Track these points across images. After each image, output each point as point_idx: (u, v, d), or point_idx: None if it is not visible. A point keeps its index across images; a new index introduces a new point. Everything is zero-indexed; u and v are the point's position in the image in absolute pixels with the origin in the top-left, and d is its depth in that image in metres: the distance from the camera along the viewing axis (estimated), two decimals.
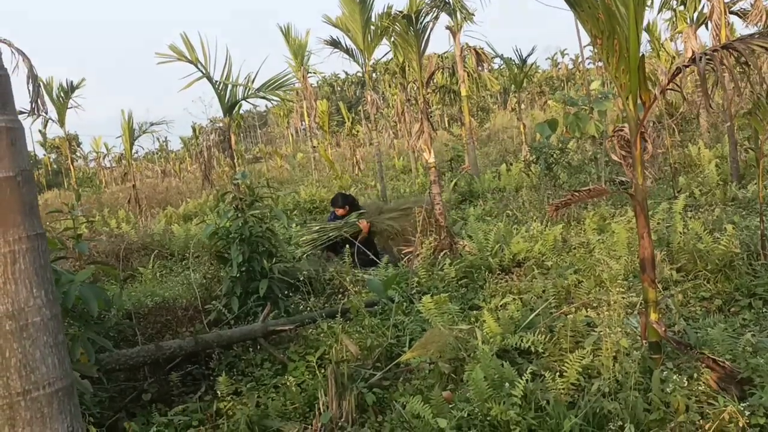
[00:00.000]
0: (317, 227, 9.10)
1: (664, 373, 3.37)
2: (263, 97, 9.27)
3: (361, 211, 9.09)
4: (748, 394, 3.35)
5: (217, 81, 8.98)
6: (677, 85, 3.68)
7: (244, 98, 9.15)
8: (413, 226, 8.50)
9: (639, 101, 3.68)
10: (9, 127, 1.89)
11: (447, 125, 34.97)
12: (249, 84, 8.99)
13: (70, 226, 4.84)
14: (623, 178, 11.53)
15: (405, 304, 5.89)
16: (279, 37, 19.55)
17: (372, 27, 12.66)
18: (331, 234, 8.77)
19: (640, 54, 3.55)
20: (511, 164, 15.31)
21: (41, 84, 10.43)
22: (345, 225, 8.76)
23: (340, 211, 9.07)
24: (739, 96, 9.27)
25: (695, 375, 3.44)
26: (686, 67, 3.54)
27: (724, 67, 3.49)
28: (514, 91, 22.53)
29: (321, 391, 4.25)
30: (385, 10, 12.05)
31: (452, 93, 21.21)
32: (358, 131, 28.96)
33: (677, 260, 5.97)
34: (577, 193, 3.77)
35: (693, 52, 3.94)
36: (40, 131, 40.40)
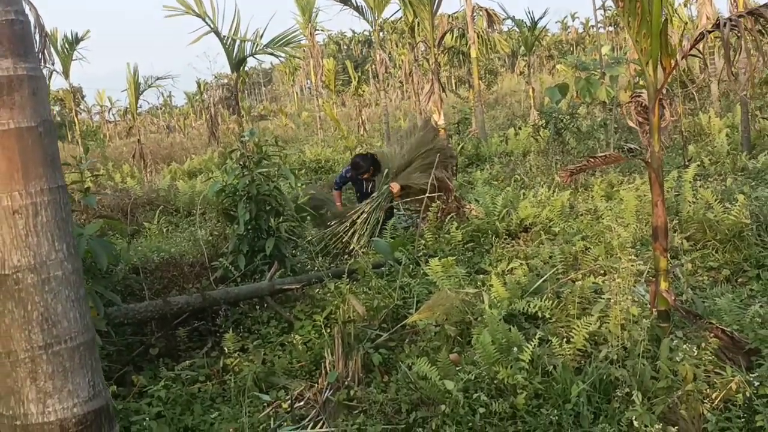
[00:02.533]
0: (358, 212, 7.56)
1: (674, 341, 3.37)
2: (271, 53, 9.20)
3: (384, 172, 7.88)
4: (756, 365, 3.35)
5: (225, 36, 8.87)
6: (699, 51, 3.60)
7: (252, 54, 9.07)
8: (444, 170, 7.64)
9: (659, 67, 3.61)
10: (30, 75, 1.84)
11: (454, 87, 34.64)
12: (257, 40, 8.88)
13: (78, 179, 4.81)
14: (632, 145, 11.43)
15: (411, 266, 5.89)
16: None
17: None
18: (374, 216, 7.51)
19: (663, 18, 3.46)
20: (520, 128, 15.18)
21: (47, 34, 10.29)
22: (380, 198, 7.67)
23: (365, 175, 7.92)
24: (763, 64, 9.11)
25: (703, 344, 3.44)
26: (710, 32, 3.46)
27: (747, 33, 3.41)
28: (524, 54, 22.27)
29: (327, 350, 4.27)
30: None
31: (461, 54, 20.95)
32: (364, 91, 28.70)
33: (686, 229, 5.94)
34: (592, 159, 3.73)
35: (718, 17, 3.84)
36: None
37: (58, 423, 1.72)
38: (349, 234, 7.26)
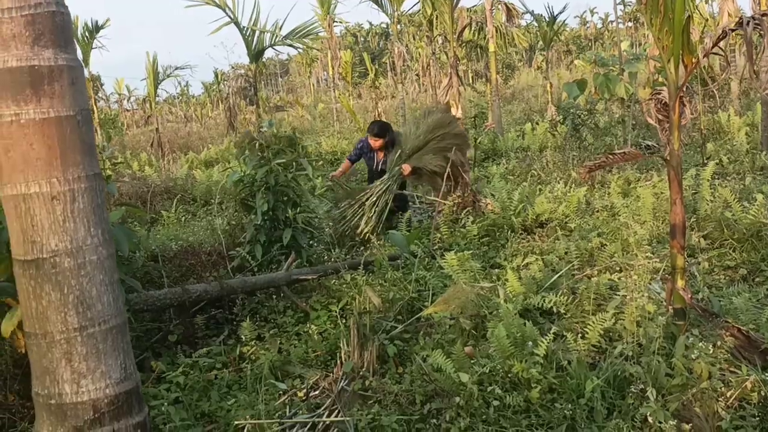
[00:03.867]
0: (367, 194, 7.30)
1: (689, 339, 3.37)
2: (290, 45, 9.22)
3: (397, 152, 7.58)
4: None
5: (244, 27, 8.92)
6: (721, 49, 3.59)
7: (272, 45, 9.10)
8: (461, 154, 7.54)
9: (680, 64, 3.60)
10: (70, 65, 1.89)
11: (471, 81, 34.50)
12: (277, 31, 8.91)
13: (100, 166, 4.89)
14: (649, 142, 11.38)
15: (427, 259, 5.92)
16: None
17: None
18: (383, 199, 7.24)
19: (686, 15, 3.46)
20: (537, 123, 15.12)
21: None
22: (390, 180, 7.39)
23: (377, 143, 7.66)
24: None
25: (719, 343, 3.44)
26: (733, 31, 3.45)
27: None
28: (541, 49, 22.16)
29: (343, 340, 4.31)
30: None
31: (479, 48, 20.87)
32: (380, 83, 28.66)
33: (704, 228, 5.93)
34: (611, 156, 3.73)
35: (740, 16, 3.83)
36: None
37: (91, 403, 1.78)
38: (358, 217, 7.11)
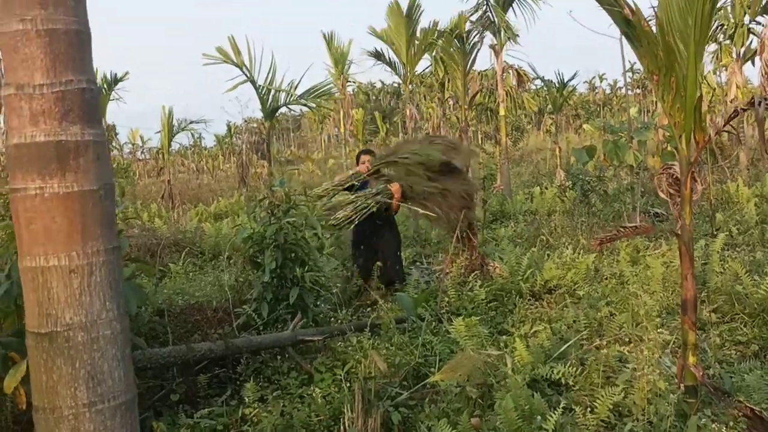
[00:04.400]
0: (352, 197, 7.11)
1: (702, 420, 3.30)
2: (304, 104, 9.37)
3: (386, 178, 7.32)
4: None
5: (260, 85, 9.09)
6: (733, 127, 3.63)
7: (286, 104, 9.26)
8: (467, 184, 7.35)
9: (692, 140, 3.64)
10: (96, 141, 1.93)
11: (481, 142, 34.88)
12: (292, 91, 9.08)
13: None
14: (658, 210, 11.39)
15: (434, 323, 5.87)
16: (320, 42, 19.69)
17: (416, 41, 12.70)
18: (366, 204, 6.98)
19: (698, 94, 3.51)
20: (546, 187, 15.20)
21: None
22: (378, 193, 7.07)
23: (363, 166, 7.40)
24: None
25: (731, 423, 3.37)
26: (744, 110, 3.49)
27: None
28: (550, 113, 22.44)
29: (347, 405, 4.24)
30: (430, 27, 12.12)
31: (489, 111, 21.17)
32: (391, 142, 28.99)
33: (714, 301, 5.88)
34: (622, 229, 3.73)
35: (752, 95, 3.89)
36: None
37: None
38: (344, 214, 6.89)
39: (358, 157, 7.67)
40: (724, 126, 3.53)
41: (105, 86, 17.97)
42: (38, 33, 1.90)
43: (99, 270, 1.89)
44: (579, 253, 8.07)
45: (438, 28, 12.86)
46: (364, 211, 6.92)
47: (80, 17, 1.96)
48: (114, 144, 42.86)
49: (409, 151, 7.36)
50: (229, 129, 37.28)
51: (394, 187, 6.99)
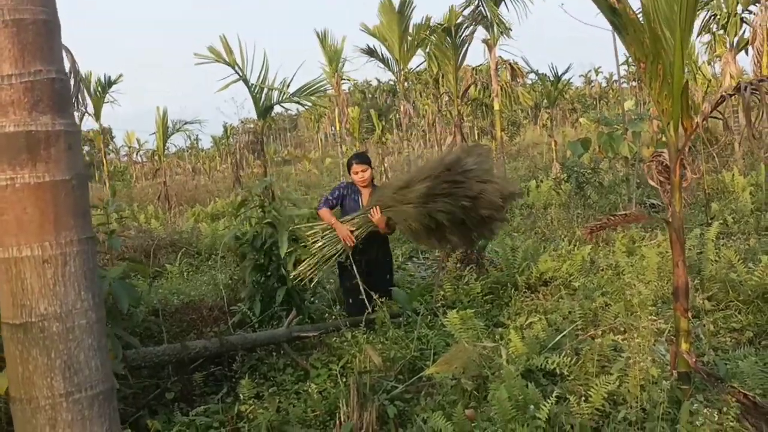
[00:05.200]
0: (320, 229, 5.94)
1: (694, 405, 3.31)
2: (297, 102, 9.35)
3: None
4: None
5: (252, 84, 9.08)
6: (720, 113, 3.63)
7: (279, 102, 9.24)
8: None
9: (680, 127, 3.64)
10: (67, 131, 1.93)
11: (477, 138, 34.88)
12: (284, 89, 9.07)
13: (104, 221, 4.92)
14: (654, 201, 11.40)
15: (429, 317, 5.87)
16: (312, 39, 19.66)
17: (409, 38, 12.69)
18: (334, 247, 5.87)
19: (685, 80, 3.51)
20: (541, 181, 15.21)
21: (82, 78, 10.62)
22: (358, 228, 5.82)
23: (365, 174, 5.97)
24: None
25: (725, 409, 3.37)
26: (731, 95, 3.49)
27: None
28: (546, 107, 22.45)
29: (343, 400, 4.25)
30: (423, 22, 12.12)
31: (484, 106, 21.16)
32: (387, 139, 29.00)
33: (708, 289, 5.88)
34: (613, 218, 3.74)
35: (738, 81, 3.89)
36: None
37: None
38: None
39: (349, 165, 6.10)
40: (711, 112, 3.53)
41: (99, 89, 17.97)
42: (5, 23, 1.91)
43: (73, 260, 1.89)
44: (575, 245, 8.08)
45: (431, 24, 12.91)
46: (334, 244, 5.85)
47: (48, 7, 1.97)
48: (110, 147, 42.84)
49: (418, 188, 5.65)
50: (226, 130, 37.28)
51: (375, 218, 5.69)
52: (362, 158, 6.08)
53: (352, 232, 5.73)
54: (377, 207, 5.70)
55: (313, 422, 4.30)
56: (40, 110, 1.86)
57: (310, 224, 6.01)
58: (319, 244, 5.85)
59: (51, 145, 1.87)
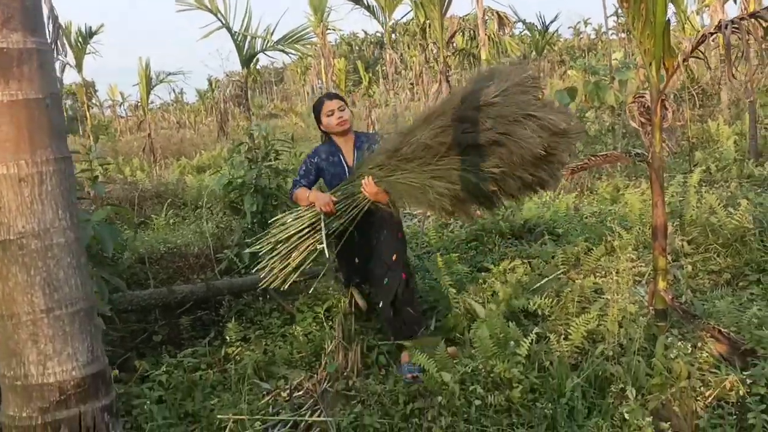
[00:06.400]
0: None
1: (669, 339, 3.40)
2: (281, 50, 9.23)
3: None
4: (751, 365, 3.37)
5: (235, 32, 8.94)
6: (701, 52, 3.64)
7: (263, 50, 9.12)
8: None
9: (662, 68, 3.65)
10: (39, 49, 1.91)
11: None
12: (268, 36, 8.94)
13: (87, 167, 4.90)
14: (639, 150, 11.44)
15: (414, 263, 5.93)
16: None
17: None
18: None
19: (666, 19, 3.50)
20: None
21: (61, 26, 10.41)
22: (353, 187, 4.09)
23: (342, 113, 4.25)
24: (762, 69, 9.11)
25: (699, 344, 3.47)
26: (712, 35, 3.49)
27: (750, 37, 3.45)
28: (534, 59, 22.28)
29: (328, 341, 4.33)
30: None
31: (472, 57, 20.95)
32: (374, 92, 28.74)
33: (689, 233, 5.96)
34: (593, 158, 3.77)
35: (719, 20, 3.88)
36: (57, 77, 40.40)
37: (57, 384, 1.79)
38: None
39: (317, 111, 4.35)
40: (692, 51, 3.53)
41: (80, 39, 17.63)
42: None
43: (49, 179, 1.89)
44: (560, 193, 8.14)
45: None
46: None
47: None
48: (94, 101, 42.23)
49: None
50: (210, 83, 36.79)
51: (368, 190, 3.97)
52: (333, 95, 4.42)
53: (335, 203, 4.08)
54: (369, 177, 3.94)
55: (298, 363, 4.38)
56: (11, 28, 1.84)
57: (277, 217, 4.41)
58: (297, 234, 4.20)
59: (23, 62, 1.86)
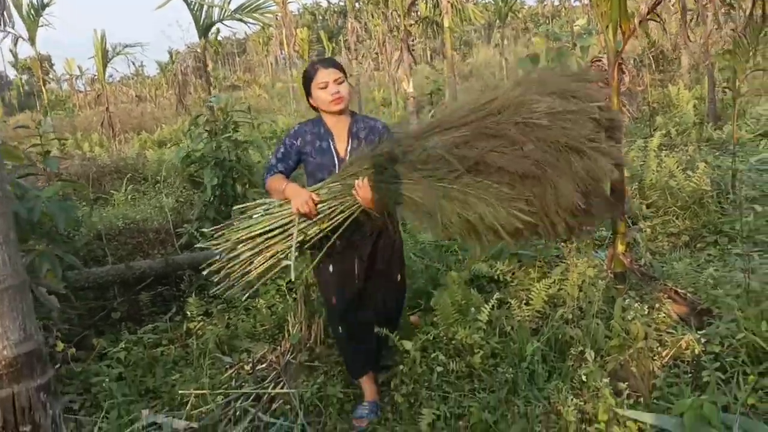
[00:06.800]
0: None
1: (626, 301, 3.44)
2: (240, 20, 9.04)
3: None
4: (707, 324, 3.44)
5: (192, 1, 8.72)
6: (658, 15, 3.63)
7: (221, 20, 8.92)
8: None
9: (619, 31, 3.63)
10: None
11: (429, 59, 34.49)
12: (225, 5, 8.74)
13: (38, 142, 4.74)
14: None
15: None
16: None
17: None
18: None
19: None
20: None
21: None
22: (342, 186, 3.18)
23: (327, 92, 3.24)
24: (719, 32, 9.19)
25: (657, 305, 3.52)
26: None
27: (707, 0, 3.45)
28: (498, 26, 22.22)
29: (291, 314, 4.30)
30: None
31: (435, 25, 20.80)
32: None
33: (648, 197, 6.03)
34: None
35: None
36: (10, 50, 39.21)
37: None
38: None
39: (308, 78, 3.33)
40: (648, 13, 3.52)
41: (32, 12, 17.06)
42: None
43: None
44: None
45: None
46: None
47: None
48: (51, 76, 41.09)
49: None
50: (171, 55, 36.06)
51: (361, 193, 3.05)
52: (330, 61, 3.38)
53: (318, 205, 3.16)
54: (365, 179, 3.05)
55: (262, 336, 4.36)
56: None
57: (242, 206, 3.50)
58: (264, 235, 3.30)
59: None
